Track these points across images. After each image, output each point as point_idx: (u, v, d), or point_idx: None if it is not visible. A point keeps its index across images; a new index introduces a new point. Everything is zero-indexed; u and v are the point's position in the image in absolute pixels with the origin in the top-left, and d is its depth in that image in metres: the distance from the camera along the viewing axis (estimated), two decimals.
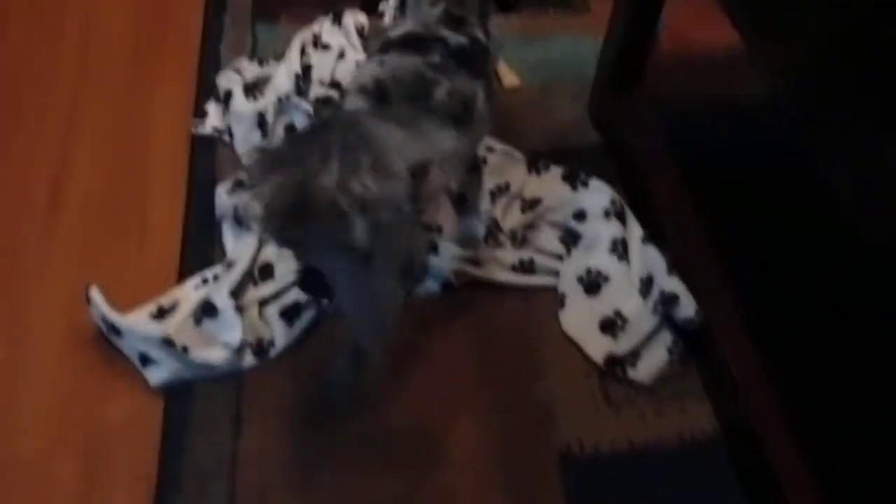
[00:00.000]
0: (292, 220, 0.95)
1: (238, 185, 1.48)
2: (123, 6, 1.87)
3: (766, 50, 1.20)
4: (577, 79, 1.76)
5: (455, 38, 1.19)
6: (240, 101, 1.62)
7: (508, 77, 1.76)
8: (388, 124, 1.05)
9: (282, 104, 1.59)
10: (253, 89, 1.65)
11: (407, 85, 1.14)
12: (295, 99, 1.59)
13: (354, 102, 1.14)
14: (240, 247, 1.42)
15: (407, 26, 1.23)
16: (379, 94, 1.13)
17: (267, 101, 1.61)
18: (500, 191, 1.52)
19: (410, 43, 1.19)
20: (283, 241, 1.06)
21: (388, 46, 1.21)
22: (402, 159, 1.01)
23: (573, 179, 1.54)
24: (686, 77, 1.80)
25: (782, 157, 1.60)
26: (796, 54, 1.13)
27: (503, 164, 1.57)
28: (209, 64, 1.74)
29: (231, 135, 1.60)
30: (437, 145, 1.11)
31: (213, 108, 1.65)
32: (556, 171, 1.56)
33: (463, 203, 1.48)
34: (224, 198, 1.47)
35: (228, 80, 1.66)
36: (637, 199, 1.53)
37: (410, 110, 1.11)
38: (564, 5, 1.95)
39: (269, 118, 1.58)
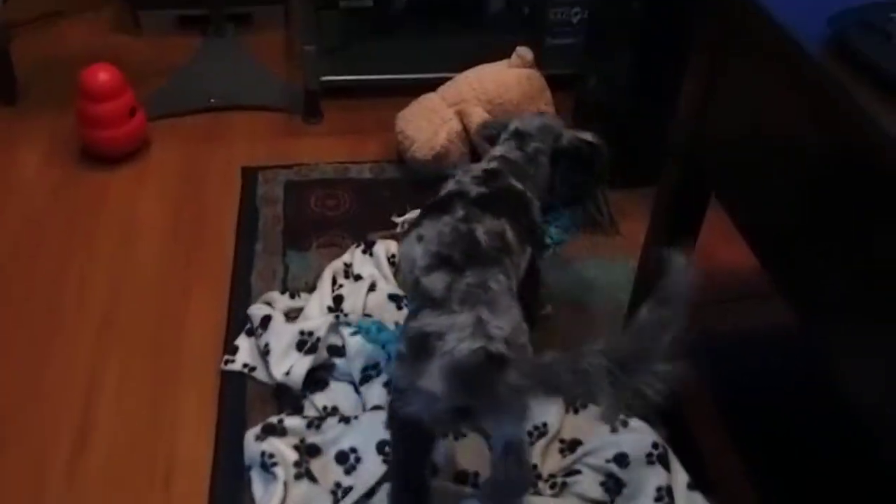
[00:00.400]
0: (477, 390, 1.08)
1: (267, 430, 1.45)
2: (157, 239, 1.92)
3: (786, 279, 1.21)
4: (612, 303, 1.77)
5: (476, 189, 1.35)
6: (280, 321, 1.63)
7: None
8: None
9: (337, 321, 1.59)
10: (287, 318, 1.66)
11: (455, 242, 1.26)
12: (342, 319, 1.59)
13: (433, 282, 1.21)
14: (266, 497, 1.37)
15: (448, 186, 1.41)
16: (443, 261, 1.23)
17: (311, 322, 1.60)
18: (538, 432, 1.48)
19: (435, 207, 1.34)
20: (460, 415, 1.15)
21: (418, 220, 1.36)
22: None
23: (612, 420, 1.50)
24: (719, 303, 1.80)
25: (819, 389, 1.58)
26: (815, 286, 1.13)
27: (539, 403, 1.53)
28: (240, 296, 1.75)
29: (266, 362, 1.58)
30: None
31: (243, 343, 1.64)
32: (594, 410, 1.53)
33: None
34: (253, 445, 1.43)
35: (262, 310, 1.67)
36: (678, 439, 1.49)
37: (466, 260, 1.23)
38: (595, 228, 1.98)
39: (320, 334, 1.56)
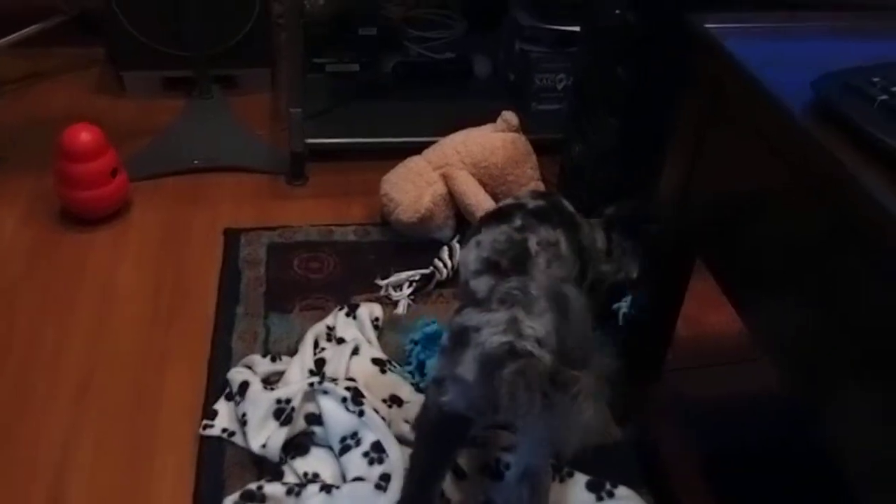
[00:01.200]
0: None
1: (246, 497, 1.42)
2: (137, 302, 1.90)
3: (772, 341, 1.22)
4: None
5: (533, 202, 1.48)
6: (257, 388, 1.60)
7: None
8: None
9: (312, 389, 1.56)
10: (266, 383, 1.64)
11: (507, 250, 1.36)
12: (326, 385, 1.56)
13: (479, 284, 1.32)
14: None
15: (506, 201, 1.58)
16: (491, 267, 1.33)
17: (288, 389, 1.58)
18: None
19: (494, 216, 1.47)
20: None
21: (477, 228, 1.47)
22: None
23: (599, 489, 1.48)
24: (705, 367, 1.80)
25: (807, 455, 1.58)
26: (802, 348, 1.13)
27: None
28: (220, 359, 1.73)
29: (243, 432, 1.55)
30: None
31: (222, 408, 1.62)
32: (580, 479, 1.51)
33: None
34: None
35: (241, 374, 1.65)
36: None
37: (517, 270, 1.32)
38: None
39: (295, 403, 1.54)
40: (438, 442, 1.31)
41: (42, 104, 2.58)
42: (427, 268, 1.95)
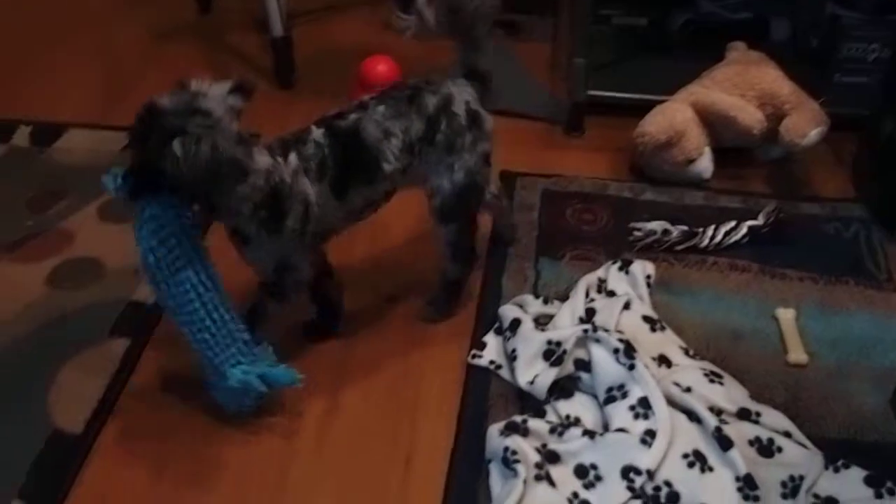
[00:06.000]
0: None
1: (511, 428, 1.52)
2: (404, 234, 2.04)
3: None
4: (880, 364, 1.71)
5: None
6: (529, 327, 1.70)
7: (796, 352, 1.73)
8: None
9: (585, 335, 1.63)
10: (536, 323, 1.73)
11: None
12: (600, 334, 1.62)
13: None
14: (504, 492, 1.44)
15: None
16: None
17: (560, 332, 1.66)
18: (793, 483, 1.46)
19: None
20: None
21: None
22: None
23: (879, 485, 1.45)
24: None
25: None
26: None
27: (799, 455, 1.51)
28: (490, 295, 1.85)
29: (511, 367, 1.66)
30: None
31: (491, 340, 1.74)
32: (857, 473, 1.48)
33: None
34: (496, 440, 1.51)
35: (513, 311, 1.75)
36: None
37: None
38: (867, 277, 1.91)
39: (567, 346, 1.61)
40: None
41: (334, 37, 2.81)
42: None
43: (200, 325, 1.46)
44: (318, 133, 1.55)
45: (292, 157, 1.51)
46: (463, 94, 1.65)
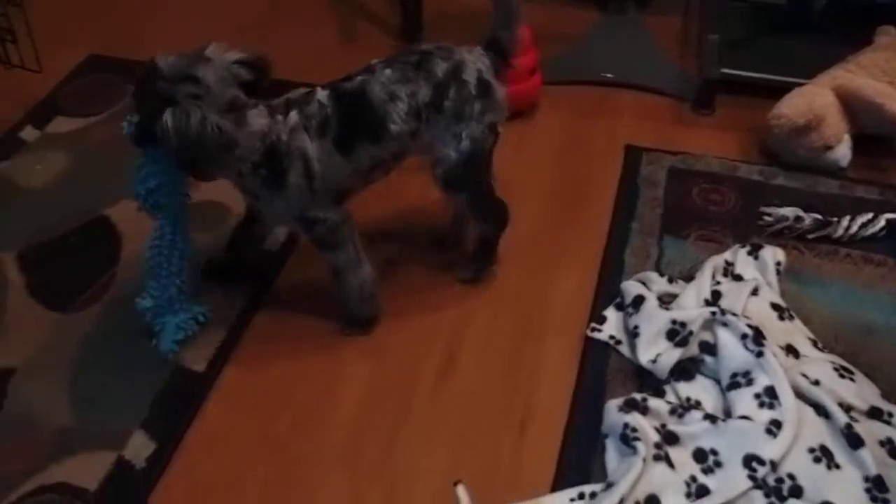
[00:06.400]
0: None
1: (630, 405, 1.50)
2: (533, 197, 2.04)
3: None
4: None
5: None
6: (653, 304, 1.67)
7: None
8: None
9: (713, 318, 1.59)
10: (660, 302, 1.70)
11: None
12: (728, 317, 1.58)
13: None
14: (622, 468, 1.43)
15: None
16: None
17: (685, 313, 1.63)
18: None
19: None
20: None
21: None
22: None
23: None
24: None
25: None
26: None
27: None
28: (611, 269, 1.82)
29: (632, 343, 1.64)
30: None
31: (612, 315, 1.71)
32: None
33: None
34: (615, 415, 1.49)
35: (636, 288, 1.72)
36: None
37: None
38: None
39: (693, 328, 1.58)
40: None
41: None
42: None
43: (155, 262, 1.62)
44: (322, 94, 1.57)
45: (293, 115, 1.53)
46: (476, 63, 1.62)
